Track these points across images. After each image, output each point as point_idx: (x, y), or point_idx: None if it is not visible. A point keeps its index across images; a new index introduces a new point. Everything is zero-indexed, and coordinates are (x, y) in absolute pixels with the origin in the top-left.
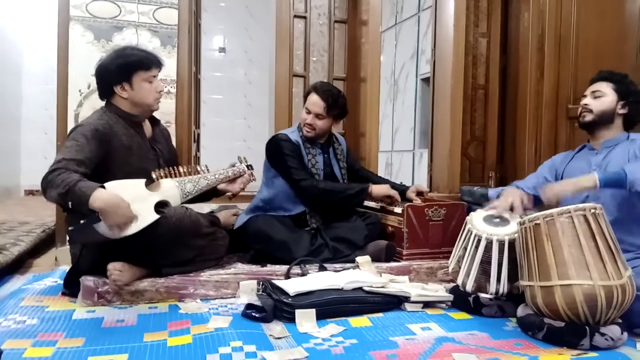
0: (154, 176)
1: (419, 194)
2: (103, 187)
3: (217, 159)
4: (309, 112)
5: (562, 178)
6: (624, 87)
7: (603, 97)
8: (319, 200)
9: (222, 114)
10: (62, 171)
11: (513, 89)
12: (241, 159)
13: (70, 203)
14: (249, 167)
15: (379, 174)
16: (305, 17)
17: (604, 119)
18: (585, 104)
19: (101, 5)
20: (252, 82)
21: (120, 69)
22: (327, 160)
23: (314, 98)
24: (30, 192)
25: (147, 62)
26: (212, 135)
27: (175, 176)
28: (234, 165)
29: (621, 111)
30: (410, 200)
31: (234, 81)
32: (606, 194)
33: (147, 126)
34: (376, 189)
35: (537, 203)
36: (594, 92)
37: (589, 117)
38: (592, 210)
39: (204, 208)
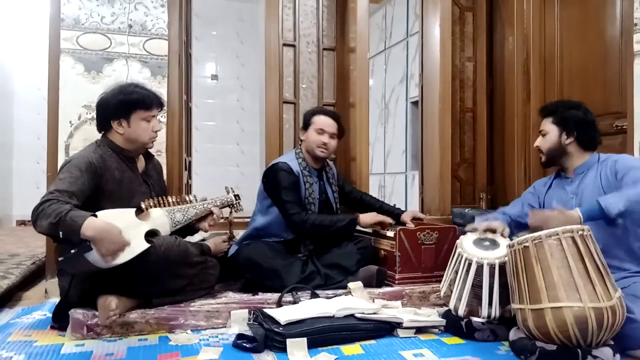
0: (143, 206)
1: (416, 219)
2: (95, 215)
3: (210, 184)
4: (322, 132)
5: (544, 206)
6: (561, 117)
7: (547, 135)
8: (309, 234)
9: (215, 140)
10: (54, 202)
11: (500, 112)
12: (229, 189)
13: (61, 233)
14: (237, 197)
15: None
16: (294, 46)
17: (556, 154)
18: (536, 146)
19: (92, 37)
20: (244, 108)
21: (121, 106)
22: (322, 187)
23: (324, 119)
24: (22, 223)
25: (149, 101)
26: (205, 161)
27: (164, 205)
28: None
29: (568, 141)
30: (404, 224)
31: (226, 107)
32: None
33: (140, 160)
34: (364, 219)
35: (523, 229)
36: (540, 131)
37: (543, 158)
38: (580, 232)
39: (194, 236)
